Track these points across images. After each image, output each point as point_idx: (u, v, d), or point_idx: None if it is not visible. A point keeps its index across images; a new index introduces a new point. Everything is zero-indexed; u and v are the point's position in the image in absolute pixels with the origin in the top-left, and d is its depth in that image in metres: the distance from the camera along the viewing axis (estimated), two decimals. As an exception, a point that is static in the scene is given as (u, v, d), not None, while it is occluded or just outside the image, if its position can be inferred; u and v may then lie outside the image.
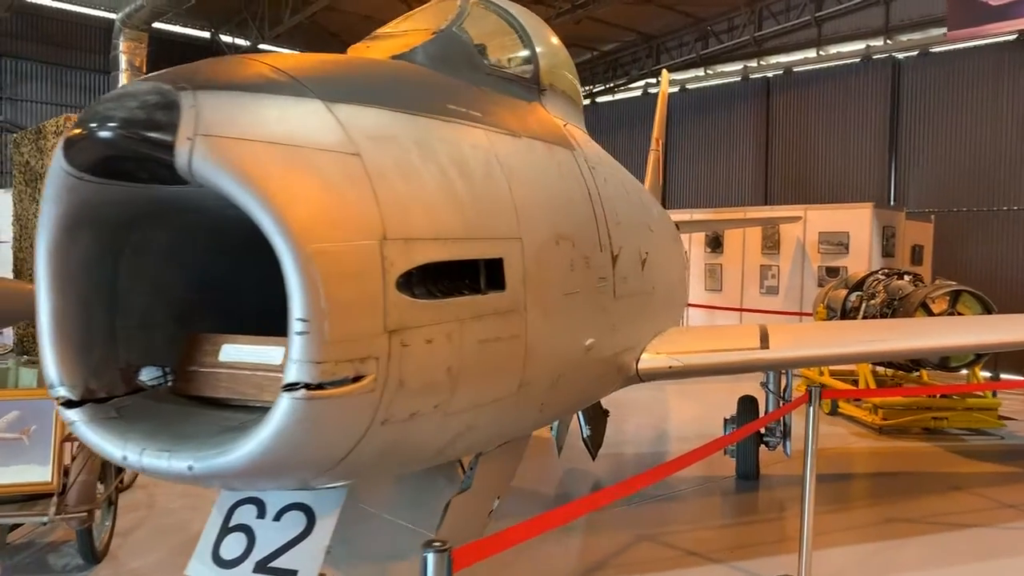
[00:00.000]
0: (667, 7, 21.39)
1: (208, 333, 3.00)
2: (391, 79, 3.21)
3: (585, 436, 7.96)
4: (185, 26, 20.94)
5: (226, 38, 21.51)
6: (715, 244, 17.71)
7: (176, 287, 3.13)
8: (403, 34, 4.13)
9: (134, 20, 18.62)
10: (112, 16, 19.21)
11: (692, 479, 8.30)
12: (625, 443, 9.80)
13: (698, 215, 18.29)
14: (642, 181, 13.93)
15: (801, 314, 15.43)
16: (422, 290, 2.74)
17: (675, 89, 24.42)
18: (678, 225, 13.71)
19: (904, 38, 19.41)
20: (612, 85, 26.07)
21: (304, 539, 2.93)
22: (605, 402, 8.43)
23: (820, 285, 15.15)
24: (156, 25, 19.11)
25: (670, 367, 5.42)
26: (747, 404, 8.22)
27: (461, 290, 2.93)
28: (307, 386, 2.33)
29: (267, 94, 2.50)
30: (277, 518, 2.99)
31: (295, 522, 2.97)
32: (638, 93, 25.09)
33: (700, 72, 23.72)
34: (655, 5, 21.06)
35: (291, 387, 2.33)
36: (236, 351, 2.92)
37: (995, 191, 17.94)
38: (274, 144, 2.38)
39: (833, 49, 20.73)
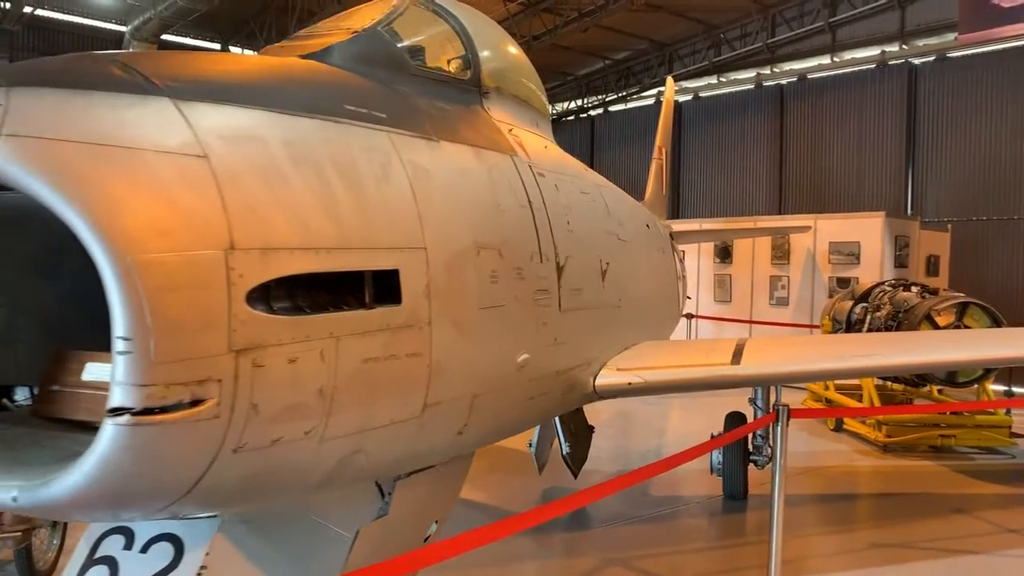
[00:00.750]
0: (678, 14, 21.10)
1: (74, 350, 2.80)
2: (275, 78, 3.00)
3: (565, 453, 7.67)
4: (195, 38, 21.05)
5: (235, 49, 21.59)
6: (724, 254, 17.32)
7: (47, 300, 2.93)
8: (327, 33, 3.93)
9: (143, 32, 18.77)
10: (122, 29, 19.39)
11: (677, 499, 7.99)
12: (613, 460, 9.49)
13: (707, 224, 17.94)
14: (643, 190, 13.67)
15: (811, 326, 14.99)
16: (285, 305, 2.51)
17: (688, 97, 24.12)
18: (672, 235, 13.44)
19: (920, 43, 18.93)
20: (625, 94, 25.78)
21: (171, 571, 2.71)
22: (591, 417, 8.16)
23: (831, 296, 14.72)
24: (165, 37, 19.25)
25: (629, 383, 5.14)
26: (735, 421, 7.89)
27: (340, 304, 2.69)
28: (132, 411, 2.11)
29: (105, 92, 2.30)
30: (144, 549, 2.77)
31: (163, 553, 2.75)
32: (651, 101, 24.76)
33: (713, 80, 23.38)
34: (666, 12, 20.77)
35: (115, 412, 2.11)
36: (100, 369, 2.71)
37: (1015, 199, 17.37)
38: (100, 145, 2.17)
39: (848, 55, 20.29)
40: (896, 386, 11.57)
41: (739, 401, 8.26)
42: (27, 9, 16.94)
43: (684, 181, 24.26)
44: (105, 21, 19.42)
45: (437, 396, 3.19)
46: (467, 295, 3.38)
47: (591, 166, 27.60)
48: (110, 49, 19.17)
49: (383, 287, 2.88)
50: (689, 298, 16.86)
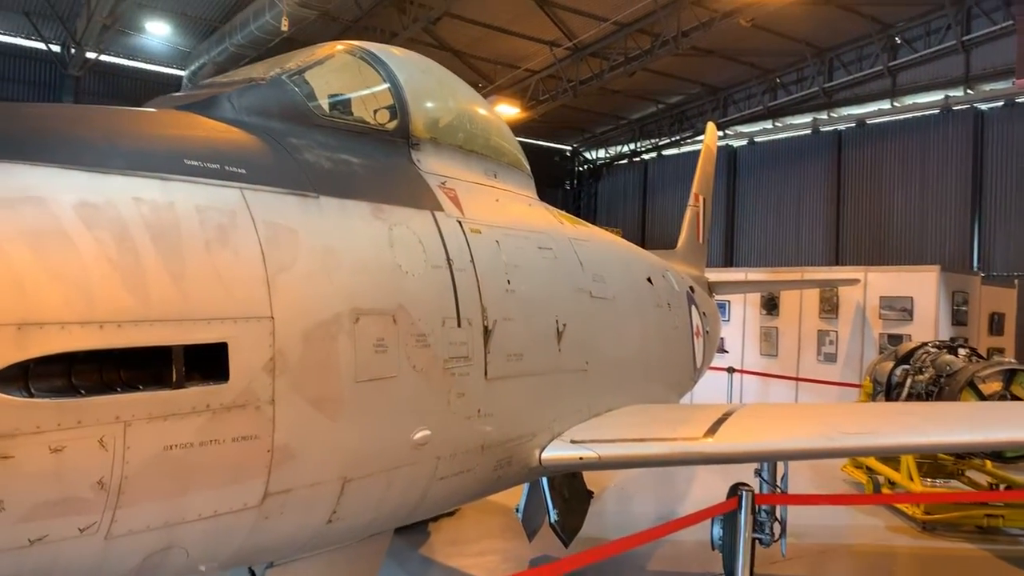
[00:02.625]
0: (731, 59, 20.65)
1: None
2: (102, 132, 2.76)
3: (553, 520, 7.18)
4: (251, 82, 21.61)
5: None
6: (771, 306, 16.53)
7: None
8: (226, 84, 3.72)
9: (200, 77, 19.40)
10: (180, 73, 20.10)
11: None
12: (609, 529, 8.90)
13: (752, 275, 17.20)
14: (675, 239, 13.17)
15: (858, 385, 14.07)
16: (56, 385, 2.24)
17: (743, 142, 23.53)
18: (710, 286, 12.86)
19: (987, 87, 17.96)
20: (679, 138, 25.34)
21: None
22: (595, 480, 7.65)
23: (880, 353, 13.81)
24: (220, 81, 19.82)
25: (580, 458, 4.69)
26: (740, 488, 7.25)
27: (135, 384, 2.40)
28: None
29: None
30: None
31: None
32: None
33: (768, 124, 22.73)
34: (718, 57, 20.35)
35: None
36: None
37: (1092, 254, 16.13)
38: None
39: (909, 100, 19.42)
40: (945, 456, 10.64)
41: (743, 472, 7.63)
42: (91, 55, 17.70)
43: (738, 228, 23.55)
44: (165, 66, 20.16)
45: (285, 483, 2.86)
46: (335, 368, 3.05)
47: (643, 210, 27.10)
48: (170, 92, 19.96)
49: (204, 363, 2.58)
50: (727, 352, 16.22)
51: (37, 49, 18.35)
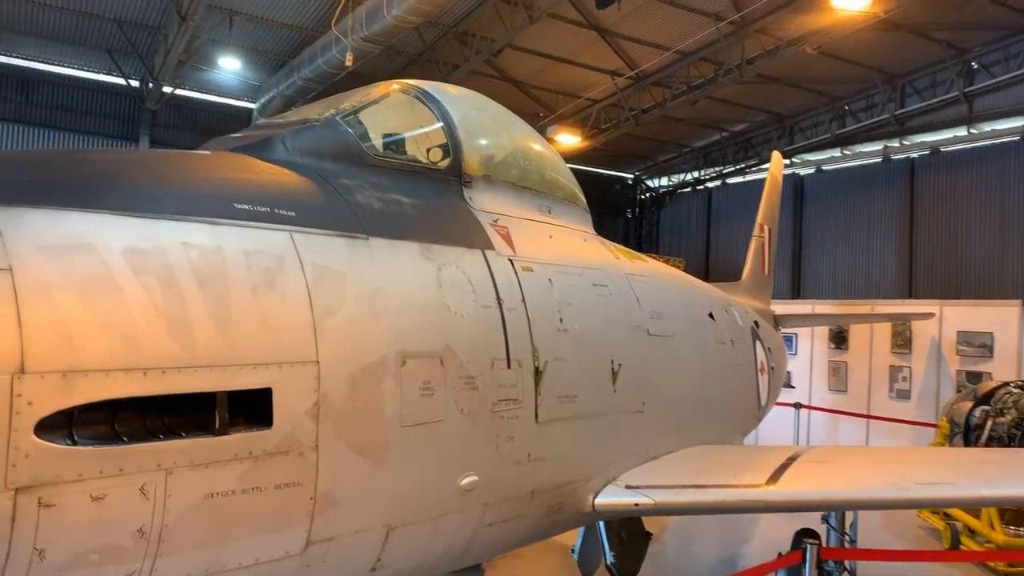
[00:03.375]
0: (796, 86, 20.22)
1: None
2: (152, 176, 2.79)
3: (609, 563, 6.97)
4: (318, 114, 22.12)
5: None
6: (839, 339, 15.97)
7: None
8: (281, 125, 3.76)
9: (269, 110, 19.97)
10: (251, 106, 20.71)
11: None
12: (670, 572, 8.62)
13: (820, 307, 16.66)
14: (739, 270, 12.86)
15: (934, 425, 13.41)
16: (99, 432, 2.24)
17: (810, 170, 22.97)
18: (776, 319, 12.47)
19: (1071, 113, 17.14)
20: (744, 166, 24.90)
21: None
22: (649, 523, 7.42)
23: (958, 392, 13.16)
24: (288, 113, 20.36)
25: (636, 504, 4.54)
26: (804, 539, 6.93)
27: (178, 431, 2.39)
28: None
29: None
30: None
31: None
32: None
33: (836, 152, 22.13)
34: (783, 84, 19.95)
35: None
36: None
37: None
38: None
39: (987, 127, 18.65)
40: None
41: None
42: (167, 90, 18.41)
43: (805, 259, 22.91)
44: (236, 99, 20.81)
45: (328, 531, 2.81)
46: (381, 412, 3.01)
47: (707, 238, 26.49)
48: (241, 124, 20.57)
49: (248, 409, 2.56)
50: (793, 387, 15.68)
51: (117, 84, 19.16)
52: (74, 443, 2.17)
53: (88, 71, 19.31)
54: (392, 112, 4.14)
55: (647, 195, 29.49)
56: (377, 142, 3.89)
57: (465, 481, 3.43)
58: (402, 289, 3.25)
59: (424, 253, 3.48)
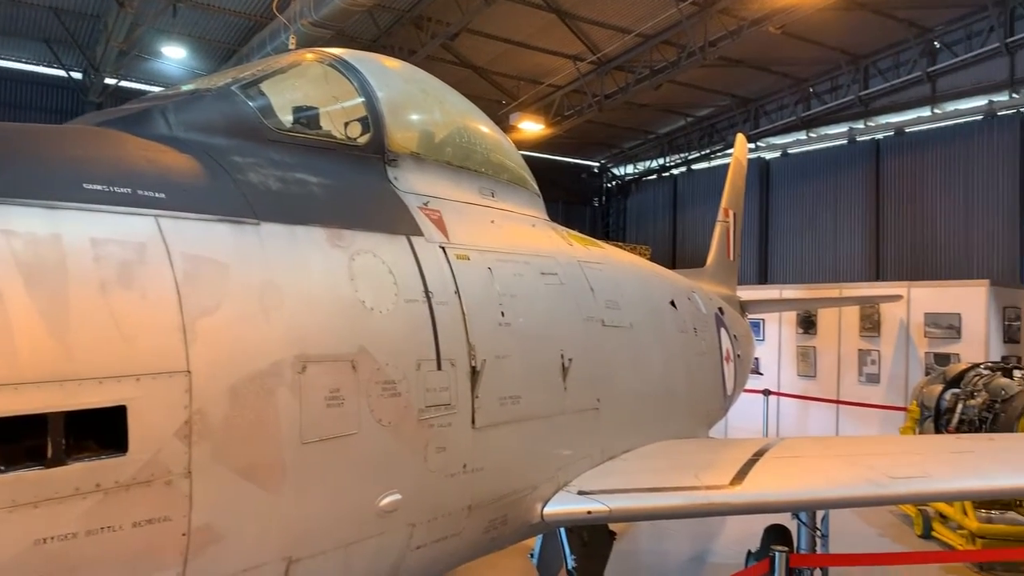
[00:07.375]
0: (761, 68, 19.96)
1: None
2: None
3: (571, 567, 6.58)
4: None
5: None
6: (807, 324, 15.74)
7: None
8: (167, 97, 3.28)
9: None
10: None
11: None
12: (640, 571, 8.27)
13: (787, 292, 16.44)
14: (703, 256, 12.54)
15: (904, 408, 13.23)
16: None
17: (776, 154, 22.79)
18: (742, 305, 12.17)
19: (1034, 91, 17.07)
20: (709, 151, 24.67)
21: None
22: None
23: (927, 374, 12.97)
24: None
25: (589, 512, 4.13)
26: (774, 536, 6.60)
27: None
28: None
29: None
30: None
31: None
32: (736, 159, 23.55)
33: (802, 135, 21.95)
34: (747, 67, 19.69)
35: None
36: None
37: None
38: None
39: (951, 106, 18.56)
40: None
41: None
42: (110, 81, 17.64)
43: (772, 244, 22.73)
44: (186, 91, 20.08)
45: (209, 571, 2.36)
46: (275, 428, 2.55)
47: (674, 225, 26.40)
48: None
49: (95, 432, 2.10)
50: (761, 374, 15.43)
51: (58, 76, 18.35)
52: None
53: (25, 63, 18.45)
54: (303, 82, 3.67)
55: (613, 183, 29.17)
56: (284, 116, 3.42)
57: (385, 501, 2.99)
58: (302, 283, 2.79)
59: (332, 240, 3.02)
